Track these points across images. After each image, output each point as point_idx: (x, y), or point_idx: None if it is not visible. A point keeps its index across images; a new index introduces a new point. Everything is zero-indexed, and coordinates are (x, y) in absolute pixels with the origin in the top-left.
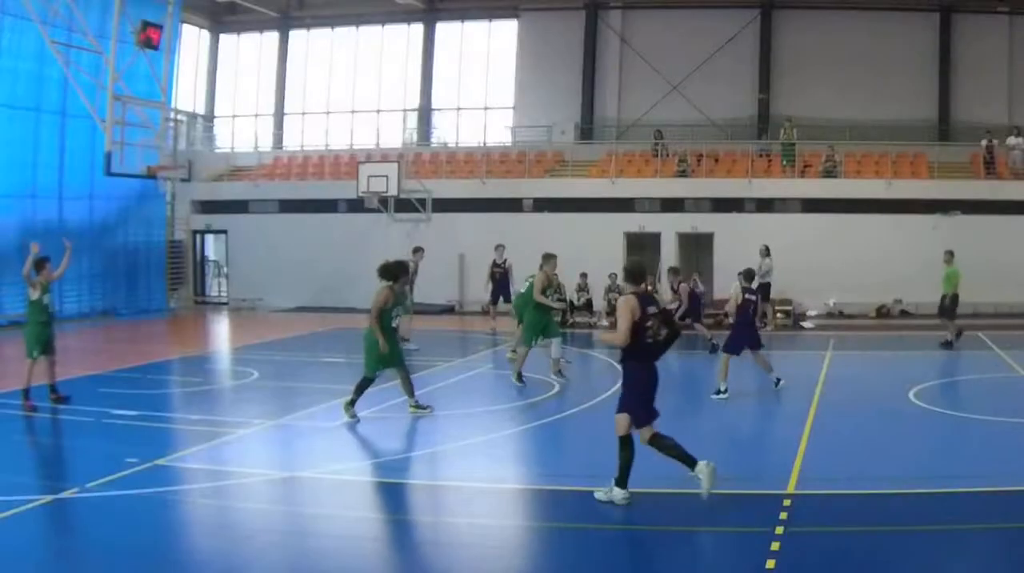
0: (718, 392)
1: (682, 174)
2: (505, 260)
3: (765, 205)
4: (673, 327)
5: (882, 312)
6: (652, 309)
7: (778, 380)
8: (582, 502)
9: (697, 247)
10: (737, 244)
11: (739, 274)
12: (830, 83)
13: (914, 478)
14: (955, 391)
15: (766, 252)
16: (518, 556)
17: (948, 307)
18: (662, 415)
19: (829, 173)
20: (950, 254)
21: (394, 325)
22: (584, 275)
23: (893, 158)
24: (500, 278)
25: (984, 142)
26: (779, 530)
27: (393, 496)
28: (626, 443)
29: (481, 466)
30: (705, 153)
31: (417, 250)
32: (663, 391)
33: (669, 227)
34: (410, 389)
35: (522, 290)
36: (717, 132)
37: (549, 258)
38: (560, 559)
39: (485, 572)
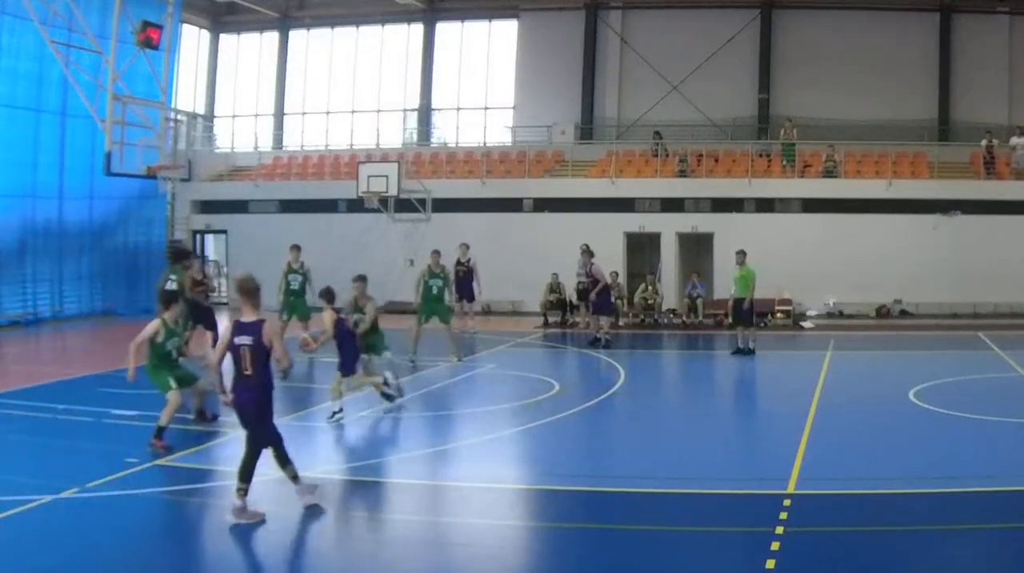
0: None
1: (682, 174)
2: (469, 259)
3: (765, 205)
4: None
5: (882, 312)
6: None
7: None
8: (582, 502)
9: (697, 247)
10: (737, 244)
11: None
12: (830, 83)
13: (914, 478)
14: (955, 391)
15: (588, 251)
16: (518, 556)
17: (746, 311)
18: (663, 413)
19: (829, 173)
20: (742, 254)
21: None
22: None
23: (893, 158)
24: (463, 276)
25: (984, 142)
26: (779, 530)
27: (393, 496)
28: None
29: (481, 466)
30: (705, 153)
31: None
32: (662, 391)
33: (669, 227)
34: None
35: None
36: (717, 132)
37: (359, 280)
38: (560, 559)
39: (485, 572)
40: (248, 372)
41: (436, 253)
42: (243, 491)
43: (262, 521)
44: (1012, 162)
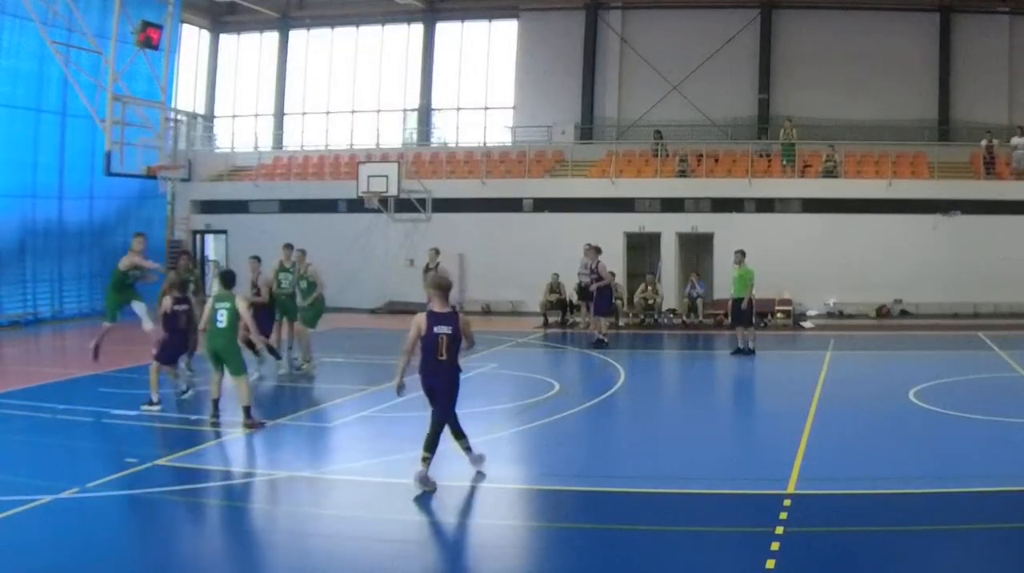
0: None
1: (682, 174)
2: (438, 264)
3: (765, 205)
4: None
5: (882, 312)
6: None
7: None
8: (582, 502)
9: (697, 247)
10: (737, 244)
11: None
12: (830, 83)
13: (914, 478)
14: (955, 391)
15: (595, 248)
16: (518, 556)
17: (745, 312)
18: (662, 413)
19: (829, 173)
20: (741, 254)
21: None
22: None
23: (893, 158)
24: None
25: (984, 142)
26: (779, 530)
27: (393, 496)
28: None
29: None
30: (705, 153)
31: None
32: (662, 391)
33: (669, 227)
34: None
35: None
36: (717, 132)
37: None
38: (560, 559)
39: (485, 572)
40: (443, 357)
41: (298, 251)
42: (427, 461)
43: (435, 489)
44: (1012, 162)
